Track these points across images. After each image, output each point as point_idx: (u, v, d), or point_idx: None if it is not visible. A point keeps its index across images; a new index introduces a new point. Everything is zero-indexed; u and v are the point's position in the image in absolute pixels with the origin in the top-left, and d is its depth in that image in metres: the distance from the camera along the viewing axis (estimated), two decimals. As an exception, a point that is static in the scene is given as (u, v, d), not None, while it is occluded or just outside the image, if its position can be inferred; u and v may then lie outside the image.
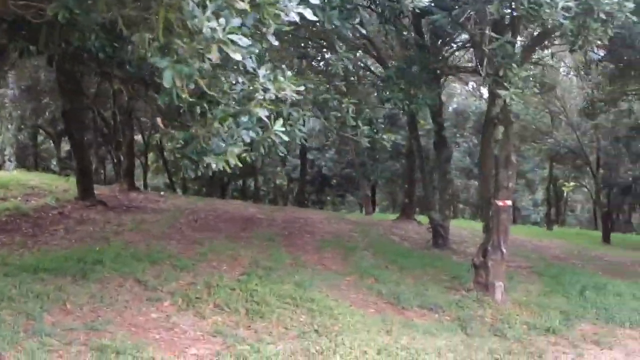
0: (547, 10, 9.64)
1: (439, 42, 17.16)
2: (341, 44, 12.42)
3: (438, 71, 16.94)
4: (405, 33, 14.62)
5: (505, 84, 9.91)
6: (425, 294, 13.46)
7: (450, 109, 41.72)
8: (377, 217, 31.16)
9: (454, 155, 45.09)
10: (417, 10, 11.57)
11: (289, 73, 6.35)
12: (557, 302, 14.22)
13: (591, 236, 34.29)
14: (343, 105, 10.94)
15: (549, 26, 10.27)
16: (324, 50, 19.00)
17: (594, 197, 36.04)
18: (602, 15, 10.17)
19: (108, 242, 14.89)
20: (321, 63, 19.85)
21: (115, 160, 33.10)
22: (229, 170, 6.84)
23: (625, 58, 16.14)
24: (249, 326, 10.09)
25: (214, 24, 4.97)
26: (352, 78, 17.70)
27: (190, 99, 6.08)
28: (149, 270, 12.50)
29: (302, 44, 18.67)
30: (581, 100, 28.49)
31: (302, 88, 6.38)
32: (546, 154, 38.81)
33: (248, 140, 6.52)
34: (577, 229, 46.25)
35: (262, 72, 6.15)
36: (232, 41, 5.04)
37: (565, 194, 48.19)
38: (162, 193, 29.91)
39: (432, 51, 16.82)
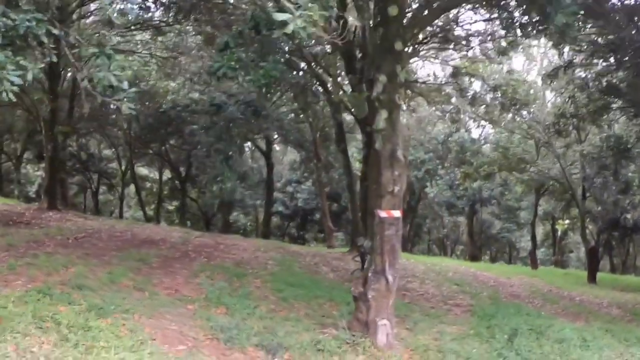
0: None
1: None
2: None
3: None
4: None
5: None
6: (275, 331, 10.11)
7: (427, 137, 38.82)
8: (337, 250, 27.82)
9: (434, 189, 42.42)
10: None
11: None
12: (472, 350, 10.86)
13: (578, 276, 30.74)
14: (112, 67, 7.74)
15: None
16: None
17: (580, 231, 32.36)
18: None
19: None
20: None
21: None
22: None
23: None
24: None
25: None
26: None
27: None
28: None
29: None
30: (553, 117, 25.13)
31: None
32: (528, 185, 35.47)
33: None
34: (573, 269, 42.39)
35: None
36: None
37: (559, 232, 44.55)
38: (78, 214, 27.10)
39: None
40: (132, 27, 27.79)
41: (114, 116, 37.45)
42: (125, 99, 7.89)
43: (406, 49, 22.26)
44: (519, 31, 12.70)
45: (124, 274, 12.70)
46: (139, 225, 24.68)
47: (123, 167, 44.13)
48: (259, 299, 12.79)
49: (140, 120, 35.77)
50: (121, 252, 15.58)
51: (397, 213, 10.48)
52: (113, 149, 44.27)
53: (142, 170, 50.53)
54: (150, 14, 26.60)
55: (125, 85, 7.97)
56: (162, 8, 24.26)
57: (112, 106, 8.19)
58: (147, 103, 34.51)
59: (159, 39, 28.44)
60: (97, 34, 8.39)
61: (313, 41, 19.86)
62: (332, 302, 13.43)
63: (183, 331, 9.63)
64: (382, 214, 10.42)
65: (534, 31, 12.59)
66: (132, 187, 46.54)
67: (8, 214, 21.21)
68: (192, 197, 44.34)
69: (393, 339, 10.54)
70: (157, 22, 26.46)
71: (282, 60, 13.82)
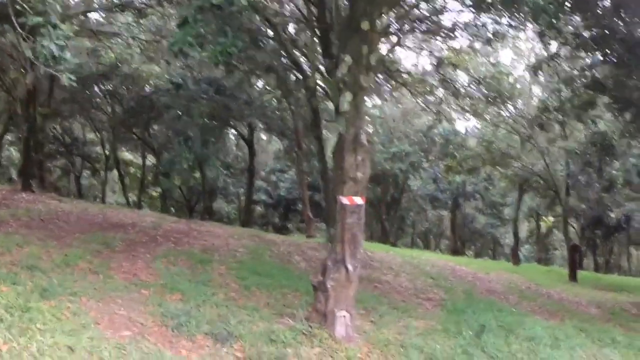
0: None
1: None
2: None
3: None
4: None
5: None
6: (227, 319, 9.67)
7: (411, 129, 38.46)
8: (316, 240, 27.28)
9: (417, 182, 42.12)
10: None
11: None
12: (436, 346, 10.41)
13: (560, 274, 30.38)
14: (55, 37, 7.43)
15: None
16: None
17: (563, 228, 31.93)
18: None
19: None
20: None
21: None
22: None
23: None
24: None
25: None
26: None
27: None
28: None
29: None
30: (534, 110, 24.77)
31: None
32: (512, 180, 35.12)
33: None
34: (557, 267, 42.05)
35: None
36: None
37: (543, 230, 44.27)
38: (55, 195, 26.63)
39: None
40: (114, 9, 27.33)
41: (98, 100, 37.03)
42: (65, 69, 7.53)
43: (394, 35, 22.07)
44: (491, 11, 12.32)
45: (82, 256, 12.33)
46: (113, 209, 24.22)
47: (107, 152, 43.56)
48: (219, 286, 12.43)
49: (123, 104, 35.35)
50: (85, 235, 15.21)
51: (359, 200, 10.10)
52: (97, 133, 43.78)
53: (127, 155, 50.07)
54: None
55: (67, 55, 7.63)
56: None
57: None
58: (130, 87, 34.07)
59: (141, 21, 27.92)
60: (41, 3, 7.96)
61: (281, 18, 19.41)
62: (296, 292, 13.03)
63: (132, 316, 9.26)
64: (344, 200, 10.06)
65: (506, 12, 12.24)
66: (116, 172, 46.05)
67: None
68: (175, 183, 43.78)
69: (353, 331, 10.16)
70: (140, 3, 25.96)
71: (247, 38, 13.29)
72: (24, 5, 8.15)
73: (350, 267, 10.04)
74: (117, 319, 9.00)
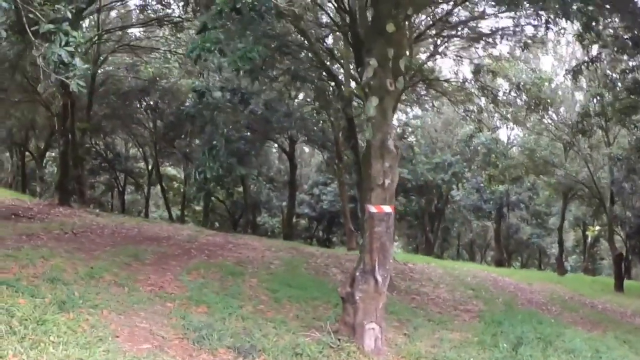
0: None
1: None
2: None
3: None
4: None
5: None
6: (252, 332, 9.40)
7: (454, 139, 38.01)
8: (357, 252, 26.94)
9: (460, 192, 41.57)
10: None
11: None
12: (469, 359, 10.00)
13: (606, 284, 29.58)
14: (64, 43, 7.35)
15: None
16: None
17: (608, 237, 31.09)
18: None
19: None
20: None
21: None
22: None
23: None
24: None
25: None
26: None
27: None
28: None
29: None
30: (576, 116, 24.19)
31: None
32: (555, 189, 34.36)
33: None
34: (605, 277, 41.06)
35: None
36: None
37: (589, 239, 43.30)
38: (98, 211, 26.71)
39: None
40: (152, 23, 27.53)
41: (140, 115, 37.31)
42: (75, 76, 7.40)
43: (429, 41, 21.73)
44: (515, 7, 11.90)
45: (108, 269, 12.09)
46: (150, 223, 24.19)
47: (150, 167, 43.90)
48: (247, 298, 12.12)
49: (164, 119, 35.54)
50: (115, 248, 15.04)
51: (387, 208, 9.75)
52: (139, 148, 44.14)
53: (170, 170, 50.35)
54: (170, 10, 26.29)
55: (77, 62, 7.50)
56: (182, 3, 23.83)
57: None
58: (169, 101, 34.25)
59: (179, 35, 28.05)
60: (53, 10, 7.88)
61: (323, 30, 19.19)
62: (328, 304, 12.68)
63: (153, 329, 9.01)
64: (372, 208, 9.72)
65: (533, 8, 11.84)
66: (159, 187, 46.31)
67: (14, 208, 20.89)
68: (219, 197, 43.77)
69: (382, 344, 9.80)
70: (177, 17, 26.09)
71: (273, 45, 13.01)
72: (37, 13, 8.07)
73: (379, 277, 9.69)
74: (138, 331, 8.77)
